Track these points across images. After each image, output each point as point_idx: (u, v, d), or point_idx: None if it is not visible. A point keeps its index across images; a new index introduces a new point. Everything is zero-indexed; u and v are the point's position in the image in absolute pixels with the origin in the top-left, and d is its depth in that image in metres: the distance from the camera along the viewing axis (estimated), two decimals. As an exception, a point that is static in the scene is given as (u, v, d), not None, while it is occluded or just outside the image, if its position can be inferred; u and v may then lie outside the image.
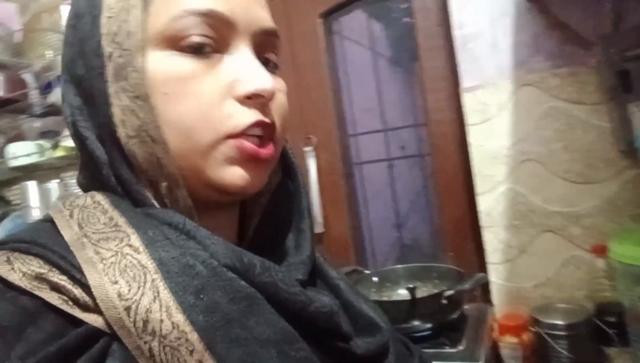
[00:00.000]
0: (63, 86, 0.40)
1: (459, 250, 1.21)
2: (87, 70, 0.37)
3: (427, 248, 1.41)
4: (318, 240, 1.40)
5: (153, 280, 0.31)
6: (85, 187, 0.41)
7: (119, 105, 0.36)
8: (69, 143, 1.44)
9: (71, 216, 0.35)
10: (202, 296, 0.31)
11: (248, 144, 0.37)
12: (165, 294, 0.31)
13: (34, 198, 1.53)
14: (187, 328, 0.30)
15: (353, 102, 1.46)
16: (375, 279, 1.18)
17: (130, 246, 0.32)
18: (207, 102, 0.37)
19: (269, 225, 0.45)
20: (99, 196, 0.37)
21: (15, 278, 0.32)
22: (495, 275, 1.11)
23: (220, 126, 0.37)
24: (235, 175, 0.38)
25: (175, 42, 0.36)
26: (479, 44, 1.09)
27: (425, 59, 1.23)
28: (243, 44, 0.38)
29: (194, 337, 0.30)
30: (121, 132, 0.36)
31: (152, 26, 0.36)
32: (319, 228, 1.42)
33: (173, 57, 0.36)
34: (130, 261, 0.32)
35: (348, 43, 1.48)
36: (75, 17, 0.39)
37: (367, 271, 1.22)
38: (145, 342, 0.30)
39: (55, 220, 0.35)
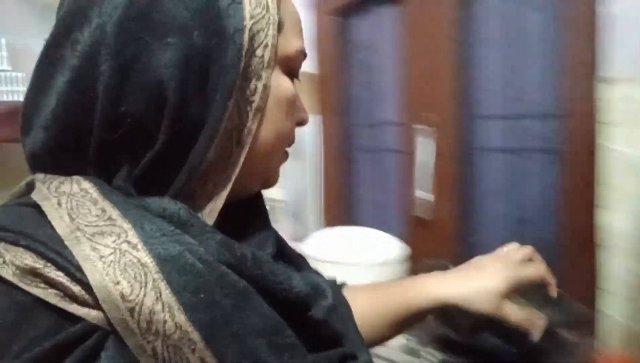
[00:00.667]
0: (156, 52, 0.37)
1: (568, 267, 1.03)
2: (218, 52, 0.38)
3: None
4: (424, 226, 1.36)
5: (154, 280, 0.32)
6: (54, 159, 0.39)
7: (235, 101, 0.39)
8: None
9: (59, 204, 0.35)
10: (201, 294, 0.33)
11: (287, 153, 0.48)
12: (167, 294, 0.32)
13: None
14: (189, 327, 0.32)
15: (480, 80, 1.31)
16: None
17: (128, 242, 0.33)
18: (292, 122, 0.46)
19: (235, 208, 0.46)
20: (85, 183, 0.37)
21: (8, 272, 0.32)
22: (608, 307, 0.93)
23: (290, 141, 0.46)
24: (278, 175, 0.48)
25: (290, 69, 0.44)
26: (629, 25, 0.88)
27: (567, 40, 1.03)
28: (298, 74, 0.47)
29: (195, 335, 0.32)
30: (221, 124, 0.38)
31: (282, 50, 0.42)
32: (428, 214, 1.33)
33: (288, 81, 0.44)
34: (130, 260, 0.32)
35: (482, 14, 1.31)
36: None
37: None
38: (148, 342, 0.31)
39: (44, 209, 0.35)
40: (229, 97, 0.38)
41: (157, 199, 0.37)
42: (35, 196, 0.36)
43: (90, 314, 0.31)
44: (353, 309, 0.54)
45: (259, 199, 0.49)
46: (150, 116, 0.37)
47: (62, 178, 0.37)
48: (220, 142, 0.38)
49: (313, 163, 1.76)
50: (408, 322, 0.63)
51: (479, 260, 0.65)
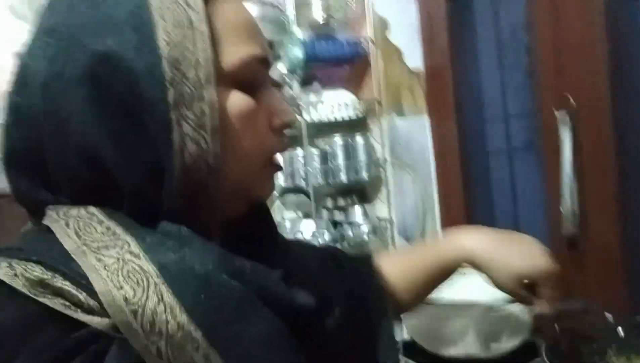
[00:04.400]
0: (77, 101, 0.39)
1: None
2: (137, 92, 0.37)
3: None
4: (572, 245, 1.03)
5: (156, 284, 0.34)
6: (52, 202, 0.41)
7: (180, 132, 0.37)
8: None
9: (67, 225, 0.37)
10: (202, 296, 0.35)
11: (277, 163, 0.47)
12: (169, 296, 0.34)
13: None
14: (192, 327, 0.33)
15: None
16: (620, 330, 0.72)
17: (131, 252, 0.35)
18: (262, 133, 0.43)
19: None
20: (91, 208, 0.39)
21: (18, 284, 0.34)
22: None
23: (269, 152, 0.45)
24: (269, 186, 0.47)
25: (239, 82, 0.41)
26: None
27: None
28: (266, 79, 0.45)
29: (198, 334, 0.33)
30: (176, 161, 0.37)
31: (223, 64, 0.40)
32: (573, 229, 0.99)
33: (238, 94, 0.41)
34: (132, 267, 0.35)
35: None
36: (112, 25, 0.38)
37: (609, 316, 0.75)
38: (152, 342, 0.33)
39: (53, 229, 0.37)
40: (169, 131, 0.37)
41: (158, 222, 0.39)
42: (45, 221, 0.39)
43: (94, 320, 0.33)
44: (390, 274, 0.64)
45: (264, 213, 0.49)
46: (96, 168, 0.39)
47: (69, 206, 0.39)
48: (188, 174, 0.38)
49: (425, 174, 1.49)
50: (441, 277, 0.66)
51: (523, 236, 0.66)
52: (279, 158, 0.47)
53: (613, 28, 0.94)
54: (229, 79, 0.41)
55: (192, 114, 0.37)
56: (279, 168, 0.47)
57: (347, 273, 0.61)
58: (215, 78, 0.39)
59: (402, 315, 0.73)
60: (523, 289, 0.62)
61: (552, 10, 1.02)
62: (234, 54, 0.41)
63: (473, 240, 0.64)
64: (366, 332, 0.58)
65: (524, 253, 0.62)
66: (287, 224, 1.61)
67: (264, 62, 0.44)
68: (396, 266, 0.67)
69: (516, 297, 0.64)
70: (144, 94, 0.37)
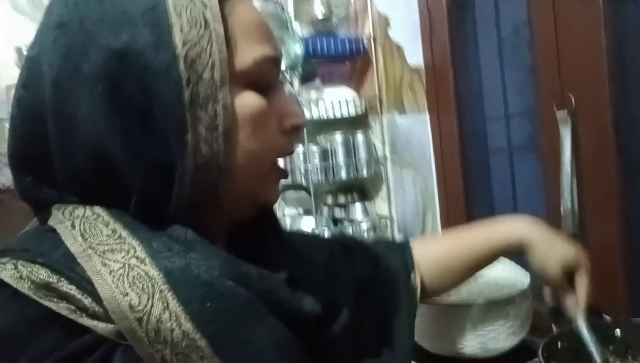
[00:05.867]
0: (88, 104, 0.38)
1: None
2: (152, 91, 0.36)
3: None
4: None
5: (161, 291, 0.34)
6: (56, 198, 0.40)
7: (194, 134, 0.37)
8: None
9: (73, 226, 0.37)
10: (207, 304, 0.34)
11: (283, 169, 0.47)
12: (174, 304, 0.34)
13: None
14: (197, 335, 0.33)
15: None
16: (618, 332, 0.71)
17: (137, 257, 0.35)
18: (273, 135, 0.43)
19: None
20: (97, 209, 0.38)
21: (23, 286, 0.33)
22: None
23: (278, 153, 0.44)
24: (276, 192, 0.46)
25: (253, 83, 0.41)
26: None
27: None
28: (277, 80, 0.44)
29: (203, 343, 0.33)
30: (188, 161, 0.37)
31: (236, 64, 0.39)
32: (573, 229, 0.99)
33: (251, 95, 0.41)
34: (138, 273, 0.34)
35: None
36: (128, 22, 0.37)
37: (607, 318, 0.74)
38: (157, 350, 0.33)
39: (59, 231, 0.37)
40: (184, 133, 0.37)
41: (165, 225, 0.38)
42: (51, 221, 0.39)
43: (99, 326, 0.33)
44: (430, 258, 0.66)
45: (270, 218, 0.48)
46: (103, 167, 0.38)
47: (75, 205, 0.39)
48: (199, 175, 0.38)
49: (426, 172, 1.48)
50: (489, 260, 0.69)
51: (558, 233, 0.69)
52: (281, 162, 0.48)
53: (614, 27, 0.92)
54: (241, 80, 0.40)
55: (206, 115, 0.37)
56: (285, 175, 0.47)
57: (359, 263, 0.60)
58: (231, 79, 0.38)
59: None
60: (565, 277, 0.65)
61: (552, 8, 1.01)
62: (248, 54, 0.40)
63: (528, 225, 0.66)
64: (380, 329, 0.58)
65: (566, 242, 0.67)
66: (288, 220, 1.61)
67: (276, 63, 0.43)
68: (440, 250, 0.69)
69: (557, 283, 0.66)
70: (158, 94, 0.36)
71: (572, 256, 0.65)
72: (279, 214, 1.66)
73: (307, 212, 1.65)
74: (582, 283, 0.66)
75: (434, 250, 0.68)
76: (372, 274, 0.60)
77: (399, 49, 1.46)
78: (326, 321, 0.44)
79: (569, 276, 0.66)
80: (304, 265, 0.48)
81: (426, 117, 1.47)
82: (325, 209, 1.60)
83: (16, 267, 0.34)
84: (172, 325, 0.33)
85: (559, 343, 0.68)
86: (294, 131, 0.44)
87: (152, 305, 0.33)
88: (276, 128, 0.43)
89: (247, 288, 0.37)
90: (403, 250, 0.66)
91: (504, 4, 1.24)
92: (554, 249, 0.65)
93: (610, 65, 0.92)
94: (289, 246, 0.48)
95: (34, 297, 0.33)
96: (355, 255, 0.61)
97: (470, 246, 0.68)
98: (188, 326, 0.33)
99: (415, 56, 1.47)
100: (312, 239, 0.64)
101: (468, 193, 1.41)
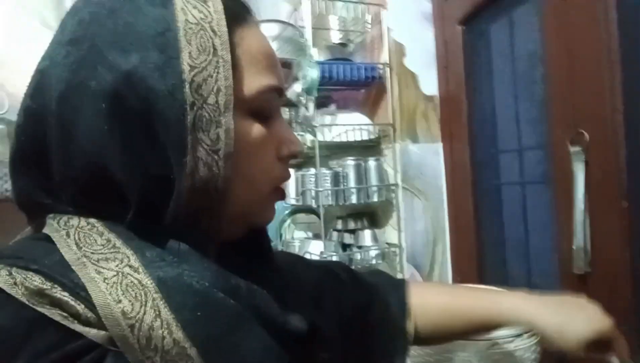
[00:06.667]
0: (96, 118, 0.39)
1: None
2: (156, 111, 0.37)
3: None
4: (582, 282, 0.99)
5: (154, 299, 0.35)
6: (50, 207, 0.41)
7: (194, 155, 0.37)
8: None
9: (68, 235, 0.38)
10: (198, 313, 0.35)
11: (282, 190, 0.47)
12: (166, 312, 0.34)
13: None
14: (187, 343, 0.34)
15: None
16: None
17: (130, 266, 0.36)
18: (270, 162, 0.44)
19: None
20: (92, 219, 0.39)
21: (17, 292, 0.34)
22: None
23: (277, 180, 0.46)
24: (271, 212, 0.47)
25: (254, 110, 0.42)
26: None
27: None
28: (278, 108, 0.46)
29: (193, 351, 0.34)
30: (186, 182, 0.38)
31: (241, 92, 0.41)
32: (584, 267, 0.96)
33: (251, 122, 0.42)
34: (131, 281, 0.35)
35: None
36: (138, 43, 0.38)
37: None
38: (148, 357, 0.33)
39: (54, 239, 0.37)
40: (184, 154, 0.37)
41: (158, 237, 0.39)
42: (45, 230, 0.39)
43: (91, 332, 0.34)
44: (426, 309, 0.64)
45: (261, 234, 0.49)
46: (101, 178, 0.39)
47: (70, 215, 0.40)
48: (196, 195, 0.38)
49: (437, 202, 1.47)
50: (485, 330, 0.66)
51: (578, 299, 0.65)
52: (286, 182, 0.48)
53: (628, 63, 0.91)
54: (244, 107, 0.41)
55: (208, 139, 0.38)
56: (284, 196, 0.48)
57: (348, 293, 0.60)
58: (234, 105, 0.39)
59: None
60: (592, 348, 0.60)
61: (566, 43, 1.00)
62: (253, 83, 0.41)
63: (537, 307, 0.62)
64: (370, 358, 0.58)
65: (586, 318, 0.61)
66: (296, 243, 1.60)
67: (279, 93, 0.45)
68: (437, 303, 0.66)
69: (581, 355, 0.61)
70: (162, 115, 0.37)
71: (596, 333, 0.60)
72: (288, 236, 1.66)
73: (316, 236, 1.63)
74: (620, 350, 0.61)
75: (431, 302, 0.66)
76: (368, 302, 0.60)
77: (413, 77, 1.47)
78: (311, 341, 0.44)
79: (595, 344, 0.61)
80: (288, 286, 0.48)
81: (439, 146, 1.46)
82: (335, 235, 1.58)
83: (10, 273, 0.34)
84: (163, 332, 0.33)
85: None
86: (290, 158, 0.46)
87: (144, 313, 0.34)
88: (274, 155, 0.45)
89: (237, 300, 0.38)
90: (402, 293, 0.65)
91: (519, 36, 1.24)
92: (570, 327, 0.60)
93: (625, 102, 0.91)
94: (275, 266, 0.49)
95: (27, 303, 0.33)
96: (346, 283, 0.61)
97: (470, 310, 0.64)
98: (179, 334, 0.34)
99: (430, 85, 1.48)
100: (301, 262, 0.64)
101: (479, 225, 1.39)
